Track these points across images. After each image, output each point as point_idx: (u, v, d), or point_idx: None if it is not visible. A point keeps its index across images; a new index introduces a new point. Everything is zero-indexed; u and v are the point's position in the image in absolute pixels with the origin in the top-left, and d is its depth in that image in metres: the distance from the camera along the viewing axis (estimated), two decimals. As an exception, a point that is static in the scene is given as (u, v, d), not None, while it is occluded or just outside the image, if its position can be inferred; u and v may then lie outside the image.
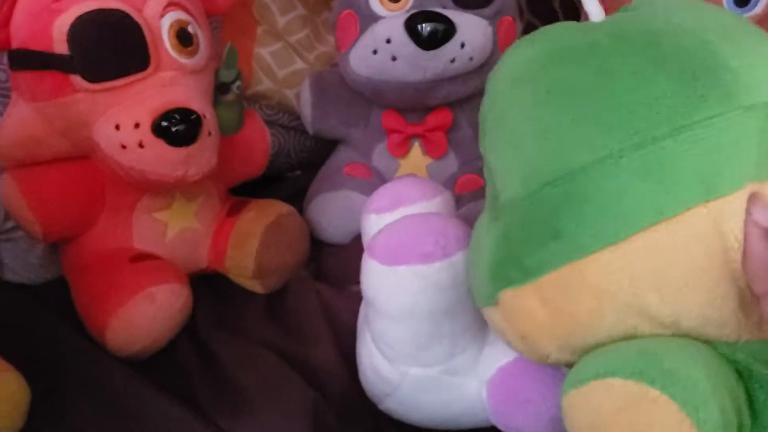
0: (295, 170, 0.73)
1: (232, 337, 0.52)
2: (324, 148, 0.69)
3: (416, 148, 0.63)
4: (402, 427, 0.44)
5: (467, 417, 0.42)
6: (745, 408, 0.28)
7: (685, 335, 0.30)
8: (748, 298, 0.29)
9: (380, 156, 0.64)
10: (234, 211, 0.58)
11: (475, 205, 0.58)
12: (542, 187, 0.30)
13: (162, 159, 0.47)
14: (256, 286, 0.58)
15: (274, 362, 0.47)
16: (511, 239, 0.31)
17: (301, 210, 0.62)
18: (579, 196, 0.29)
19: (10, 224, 0.54)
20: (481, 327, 0.41)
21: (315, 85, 0.65)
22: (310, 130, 0.66)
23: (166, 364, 0.49)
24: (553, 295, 0.30)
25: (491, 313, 0.34)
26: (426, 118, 0.61)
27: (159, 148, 0.47)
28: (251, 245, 0.56)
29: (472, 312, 0.39)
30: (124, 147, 0.47)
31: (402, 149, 0.62)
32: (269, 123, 0.65)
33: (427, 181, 0.49)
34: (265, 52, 0.67)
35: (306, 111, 0.65)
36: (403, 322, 0.39)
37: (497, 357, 0.41)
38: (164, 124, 0.46)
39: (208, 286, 0.58)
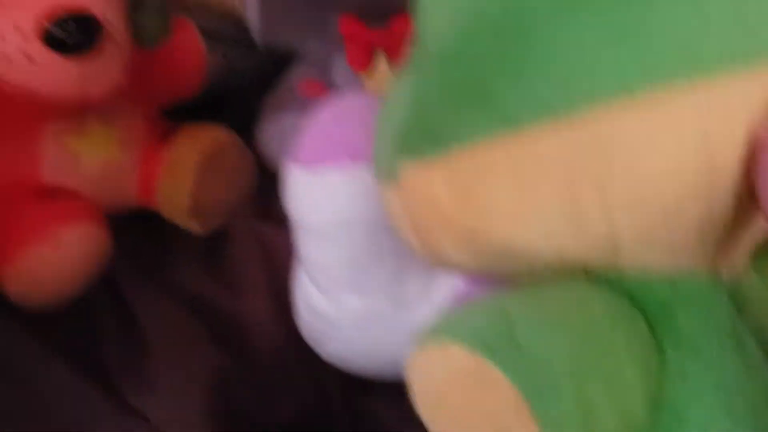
0: (242, 91, 0.64)
1: (155, 288, 0.45)
2: (277, 66, 0.60)
3: (383, 63, 0.54)
4: (347, 382, 0.38)
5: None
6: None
7: (608, 260, 0.24)
8: (715, 221, 0.22)
9: (340, 71, 0.55)
10: (165, 139, 0.50)
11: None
12: (481, 36, 0.23)
13: (56, 74, 0.39)
14: (193, 226, 0.50)
15: (195, 319, 0.40)
16: (427, 100, 0.24)
17: (249, 139, 0.54)
18: (524, 50, 0.22)
19: None
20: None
21: (262, -13, 0.55)
22: (259, 41, 0.56)
23: (77, 322, 0.42)
24: (463, 174, 0.23)
25: (388, 191, 0.27)
26: (390, 23, 0.52)
27: (49, 59, 0.38)
28: (186, 177, 0.49)
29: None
30: (9, 60, 0.38)
31: (364, 62, 0.53)
32: (211, 35, 0.56)
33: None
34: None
35: (253, 18, 0.56)
36: (334, 238, 0.33)
37: (454, 279, 0.34)
38: (57, 32, 0.38)
39: (138, 226, 0.50)
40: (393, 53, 0.53)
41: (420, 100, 0.25)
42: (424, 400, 0.23)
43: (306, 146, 0.33)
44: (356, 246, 0.33)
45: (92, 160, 0.47)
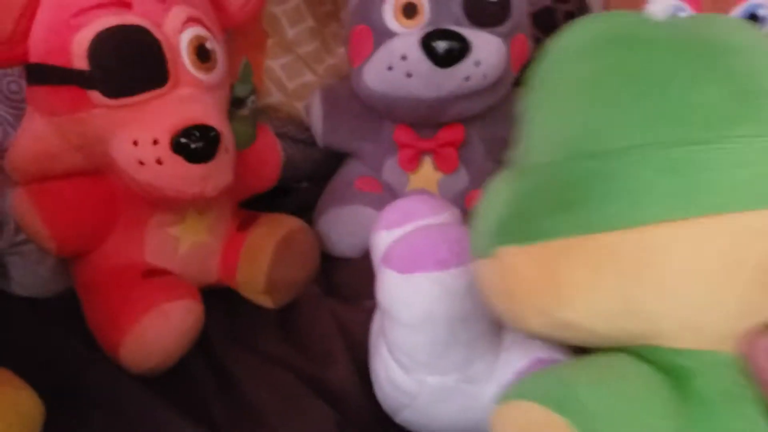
0: (301, 182, 0.73)
1: (246, 354, 0.51)
2: (332, 160, 0.69)
3: (427, 163, 0.63)
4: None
5: (486, 424, 0.43)
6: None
7: (646, 339, 0.31)
8: (744, 317, 0.30)
9: (391, 170, 0.64)
10: (245, 226, 0.58)
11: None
12: (571, 158, 0.31)
13: (180, 176, 0.47)
14: (266, 301, 0.58)
15: (291, 381, 0.47)
16: (525, 200, 0.32)
17: (309, 223, 0.62)
18: (603, 175, 0.30)
19: (20, 238, 0.54)
20: (497, 333, 0.42)
21: (326, 98, 0.65)
22: (321, 143, 0.66)
23: (181, 382, 0.49)
24: (548, 260, 0.31)
25: (484, 265, 0.35)
26: (438, 133, 0.62)
27: (177, 164, 0.46)
28: (262, 260, 0.56)
29: (488, 319, 0.40)
30: (141, 163, 0.46)
31: (413, 164, 0.63)
32: (278, 135, 0.65)
33: (435, 197, 0.50)
34: (275, 64, 0.67)
35: (317, 124, 0.65)
36: (420, 330, 0.40)
37: (514, 361, 0.41)
38: (183, 140, 0.46)
39: (218, 301, 0.57)
40: (438, 158, 0.63)
41: (521, 199, 0.33)
42: None
43: (399, 256, 0.40)
44: (437, 335, 0.40)
45: (187, 245, 0.55)
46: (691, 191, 0.29)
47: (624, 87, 0.31)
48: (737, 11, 0.52)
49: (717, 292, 0.30)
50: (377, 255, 0.47)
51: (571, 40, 0.35)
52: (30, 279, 0.55)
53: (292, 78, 0.68)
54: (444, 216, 0.47)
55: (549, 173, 0.32)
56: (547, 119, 0.34)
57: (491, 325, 0.40)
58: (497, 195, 0.35)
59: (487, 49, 0.56)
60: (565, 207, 0.31)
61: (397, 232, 0.45)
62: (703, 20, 0.34)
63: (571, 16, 0.82)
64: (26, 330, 0.52)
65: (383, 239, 0.47)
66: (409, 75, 0.56)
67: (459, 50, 0.54)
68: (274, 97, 0.67)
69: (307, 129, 0.68)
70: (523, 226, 0.32)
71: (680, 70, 0.31)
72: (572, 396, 0.29)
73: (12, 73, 0.56)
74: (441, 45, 0.54)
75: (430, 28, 0.55)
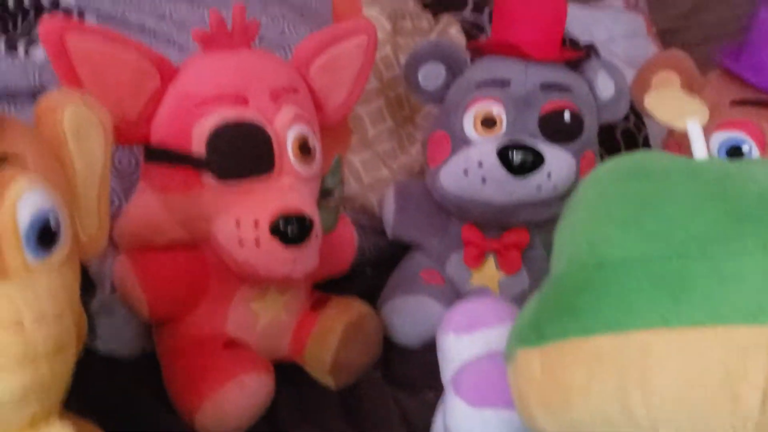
0: (366, 268, 0.76)
1: (311, 428, 0.54)
2: (396, 250, 0.73)
3: (490, 262, 0.67)
4: None
5: None
6: None
7: None
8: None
9: (455, 265, 0.68)
10: (317, 306, 0.62)
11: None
12: (577, 269, 0.34)
13: (274, 257, 0.51)
14: (329, 381, 0.60)
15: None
16: (540, 307, 0.35)
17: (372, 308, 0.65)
18: (600, 283, 0.33)
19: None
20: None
21: (399, 193, 0.69)
22: (390, 234, 0.70)
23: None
24: (554, 362, 0.34)
25: (509, 370, 0.37)
26: (503, 234, 0.65)
27: (273, 246, 0.50)
28: (331, 341, 0.59)
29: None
30: (241, 242, 0.51)
31: (477, 262, 0.66)
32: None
33: (503, 303, 0.52)
34: (355, 158, 0.72)
35: (388, 216, 0.69)
36: None
37: None
38: (281, 225, 0.50)
39: (285, 375, 0.60)
40: (501, 258, 0.66)
41: (537, 306, 0.36)
42: None
43: (470, 387, 0.42)
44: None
45: (265, 320, 0.58)
46: (679, 302, 0.31)
47: (623, 206, 0.34)
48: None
49: (710, 405, 0.30)
50: (444, 358, 0.48)
51: (600, 171, 0.38)
52: (114, 339, 0.59)
53: (369, 172, 0.73)
54: (509, 324, 0.49)
55: (559, 282, 0.35)
56: (563, 238, 0.37)
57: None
58: (528, 305, 0.38)
59: (558, 163, 0.60)
60: (567, 311, 0.34)
61: (465, 339, 0.47)
62: (747, 165, 0.36)
63: (629, 133, 0.87)
64: (107, 386, 0.56)
65: (451, 343, 0.48)
66: (483, 180, 0.60)
67: (532, 162, 0.59)
68: (352, 188, 0.72)
69: (377, 219, 0.73)
70: (535, 330, 0.35)
71: (681, 191, 0.33)
72: None
73: (122, 148, 0.62)
74: (517, 155, 0.59)
75: (506, 139, 0.60)
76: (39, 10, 0.74)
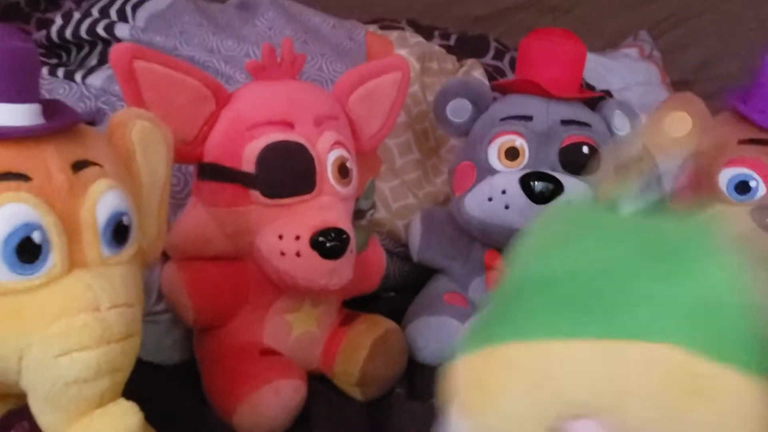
0: (389, 291, 0.80)
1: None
2: (419, 274, 0.77)
3: (511, 287, 0.70)
4: None
5: None
6: None
7: None
8: None
9: (476, 288, 0.72)
10: (347, 321, 0.65)
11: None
12: (509, 285, 0.38)
13: (313, 268, 0.55)
14: (356, 393, 0.64)
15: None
16: (479, 319, 0.39)
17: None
18: (526, 301, 0.36)
19: (158, 307, 0.62)
20: None
21: (425, 220, 0.74)
22: (415, 258, 0.74)
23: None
24: (477, 366, 0.36)
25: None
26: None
27: (312, 258, 0.54)
28: (359, 355, 0.63)
29: None
30: (283, 254, 0.55)
31: (498, 286, 0.70)
32: (378, 247, 0.73)
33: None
34: (384, 186, 0.77)
35: (414, 241, 0.74)
36: None
37: None
38: (321, 239, 0.54)
39: (316, 385, 0.63)
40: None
41: (478, 319, 0.39)
42: None
43: None
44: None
45: (298, 332, 0.62)
46: (583, 317, 0.34)
47: (555, 238, 0.38)
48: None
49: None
50: None
51: (548, 212, 0.42)
52: (155, 346, 0.63)
53: (396, 199, 0.78)
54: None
55: (495, 297, 0.39)
56: (509, 260, 0.40)
57: None
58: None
59: (577, 193, 0.64)
60: (494, 321, 0.37)
61: None
62: (660, 220, 0.39)
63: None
64: (156, 393, 0.59)
65: None
66: (506, 207, 0.64)
67: (553, 191, 0.63)
68: (380, 214, 0.76)
69: (403, 245, 0.77)
70: (472, 339, 0.38)
71: (599, 233, 0.37)
72: None
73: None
74: (538, 185, 0.63)
75: (528, 170, 0.65)
76: (94, 42, 0.81)
